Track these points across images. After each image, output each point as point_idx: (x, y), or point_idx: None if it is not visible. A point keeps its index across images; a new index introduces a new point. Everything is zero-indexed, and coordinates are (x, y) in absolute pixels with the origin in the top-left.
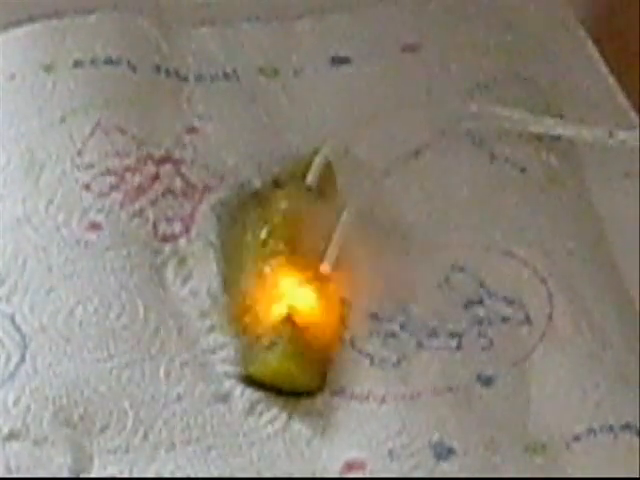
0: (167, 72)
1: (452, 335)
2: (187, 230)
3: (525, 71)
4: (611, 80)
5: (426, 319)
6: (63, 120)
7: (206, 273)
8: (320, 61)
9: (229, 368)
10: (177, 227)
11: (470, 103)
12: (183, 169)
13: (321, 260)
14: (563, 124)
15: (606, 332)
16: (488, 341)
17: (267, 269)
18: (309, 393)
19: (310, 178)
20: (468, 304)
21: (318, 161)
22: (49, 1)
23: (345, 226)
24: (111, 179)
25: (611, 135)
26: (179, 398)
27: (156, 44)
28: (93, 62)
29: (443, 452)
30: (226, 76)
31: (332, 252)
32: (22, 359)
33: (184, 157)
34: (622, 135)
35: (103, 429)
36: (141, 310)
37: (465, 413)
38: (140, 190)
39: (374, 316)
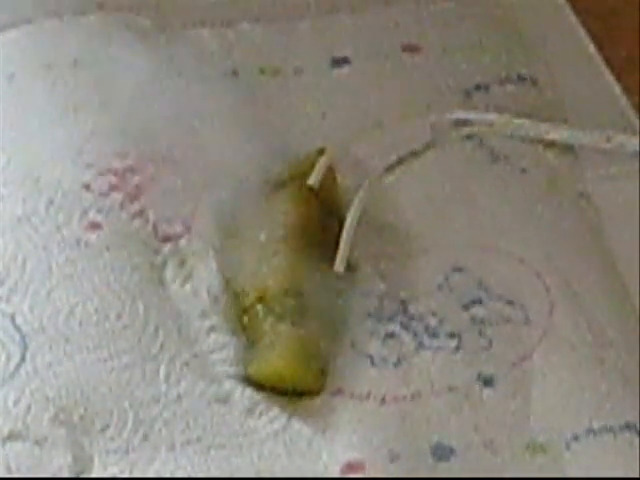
0: (167, 72)
1: (452, 335)
2: (187, 230)
3: (525, 71)
4: (611, 80)
5: (426, 319)
6: (63, 120)
7: (206, 273)
8: (320, 61)
9: (229, 368)
10: (177, 227)
11: (469, 108)
12: (183, 169)
13: (325, 260)
14: (561, 128)
15: (606, 332)
16: (488, 341)
17: (267, 269)
18: (309, 393)
19: (312, 179)
20: (468, 304)
21: (321, 162)
22: (49, 1)
23: (352, 225)
24: (111, 179)
25: (609, 139)
26: (179, 398)
27: (156, 44)
28: (93, 62)
29: (443, 452)
30: (226, 76)
31: (343, 251)
32: (22, 359)
33: (184, 157)
34: (620, 139)
35: (103, 429)
36: (141, 310)
37: (465, 413)
38: (140, 190)
39: (374, 316)
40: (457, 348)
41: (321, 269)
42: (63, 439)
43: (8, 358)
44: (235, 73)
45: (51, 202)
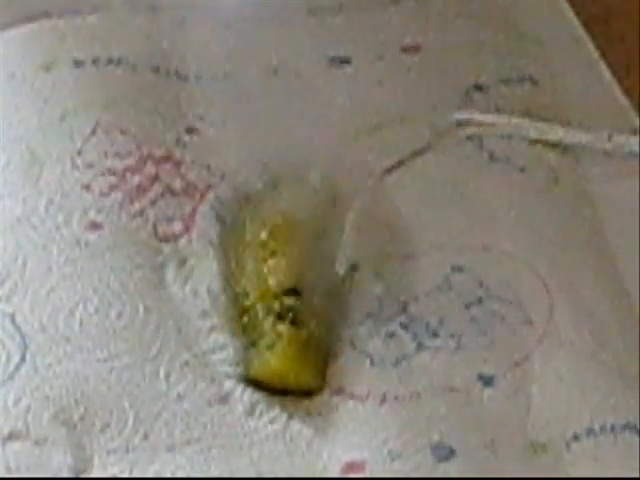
0: (167, 72)
1: (452, 335)
2: (187, 230)
3: (525, 71)
4: (611, 80)
5: (426, 319)
6: (63, 120)
7: (206, 273)
8: (320, 61)
9: (229, 369)
10: (177, 227)
11: (469, 108)
12: (183, 169)
13: (325, 260)
14: (561, 129)
15: (606, 332)
16: (488, 341)
17: (267, 269)
18: (309, 393)
19: (313, 179)
20: (468, 304)
21: (321, 163)
22: (49, 1)
23: (353, 226)
24: (111, 179)
25: (610, 139)
26: (179, 398)
27: (156, 44)
28: (93, 62)
29: (443, 452)
30: (226, 76)
31: (344, 252)
32: (22, 359)
33: (184, 157)
34: (621, 139)
35: (103, 429)
36: (141, 310)
37: (465, 413)
38: (140, 190)
39: (374, 316)
40: (457, 348)
41: (321, 269)
42: (63, 439)
43: (8, 358)
44: (235, 73)
45: (51, 202)
